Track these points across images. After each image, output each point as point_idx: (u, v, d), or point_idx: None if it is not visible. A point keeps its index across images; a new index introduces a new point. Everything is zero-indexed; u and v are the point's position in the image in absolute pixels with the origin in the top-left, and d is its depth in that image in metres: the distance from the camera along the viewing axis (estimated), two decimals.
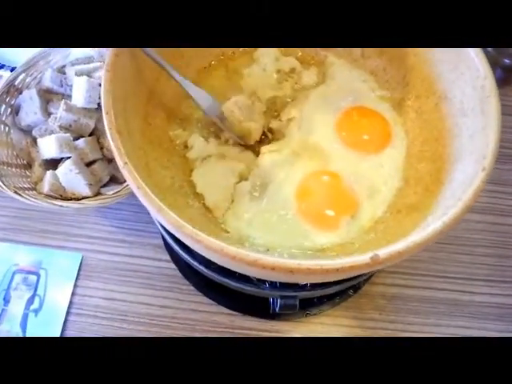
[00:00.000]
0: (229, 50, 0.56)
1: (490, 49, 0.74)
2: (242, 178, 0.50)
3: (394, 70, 0.56)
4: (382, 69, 0.56)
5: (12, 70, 0.72)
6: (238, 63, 0.56)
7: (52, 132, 0.63)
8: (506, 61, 0.76)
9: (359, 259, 0.35)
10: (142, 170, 0.41)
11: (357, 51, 0.57)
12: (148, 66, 0.48)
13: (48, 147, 0.61)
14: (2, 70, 0.75)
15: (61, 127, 0.62)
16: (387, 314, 0.62)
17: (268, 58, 0.56)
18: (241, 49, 0.57)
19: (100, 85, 0.61)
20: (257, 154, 0.52)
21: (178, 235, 0.37)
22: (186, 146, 0.51)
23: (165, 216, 0.35)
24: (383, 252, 0.35)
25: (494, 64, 0.78)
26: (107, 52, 0.43)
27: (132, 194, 0.42)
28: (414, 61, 0.53)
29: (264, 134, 0.52)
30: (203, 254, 0.38)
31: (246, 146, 0.52)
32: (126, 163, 0.37)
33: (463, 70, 0.48)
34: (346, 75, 0.57)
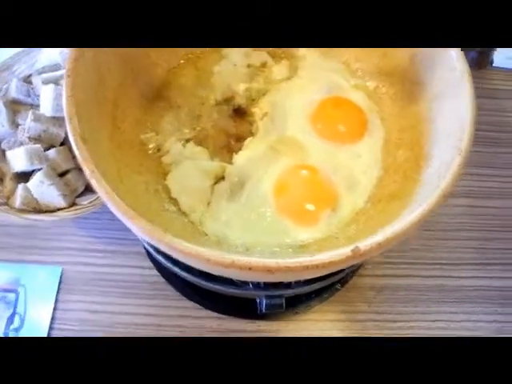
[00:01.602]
0: (197, 49, 0.55)
1: None
2: (218, 178, 0.48)
3: (366, 58, 0.55)
4: (353, 58, 0.56)
5: None
6: (207, 61, 0.55)
7: (21, 144, 0.61)
8: None
9: (339, 253, 0.34)
10: (111, 177, 0.39)
11: None
12: (111, 69, 0.47)
13: (17, 160, 0.59)
14: None
15: (30, 138, 0.60)
16: (376, 306, 0.61)
17: (238, 54, 0.55)
18: None
19: None
20: (232, 152, 0.50)
21: (152, 242, 0.35)
22: (159, 150, 0.50)
23: (135, 223, 0.34)
24: (364, 244, 0.34)
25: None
26: (66, 57, 0.41)
27: None
28: (385, 49, 0.53)
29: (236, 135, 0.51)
30: (180, 259, 0.37)
31: (222, 146, 0.51)
32: (92, 171, 0.36)
33: (435, 54, 0.47)
34: (318, 67, 0.56)
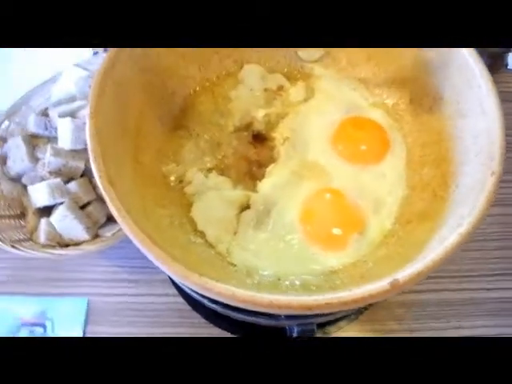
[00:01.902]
0: (213, 75, 0.55)
1: None
2: (243, 206, 0.48)
3: (383, 75, 0.54)
4: (371, 75, 0.55)
5: None
6: (224, 87, 0.54)
7: (42, 178, 0.61)
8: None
9: (378, 287, 0.33)
10: (137, 214, 0.39)
11: (343, 60, 0.56)
12: (131, 102, 0.47)
13: (39, 195, 0.59)
14: None
15: (50, 173, 0.61)
16: (407, 323, 0.60)
17: (253, 78, 0.54)
18: (224, 72, 0.55)
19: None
20: (254, 179, 0.50)
21: (187, 285, 0.35)
22: (181, 181, 0.50)
23: (170, 267, 0.34)
24: (402, 275, 0.34)
25: (480, 52, 0.77)
26: (88, 95, 0.41)
27: None
28: (402, 64, 0.52)
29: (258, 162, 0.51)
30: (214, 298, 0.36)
31: (244, 174, 0.50)
32: (124, 217, 0.36)
33: (456, 70, 0.47)
34: (334, 86, 0.55)
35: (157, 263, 0.35)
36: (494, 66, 0.79)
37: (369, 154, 0.52)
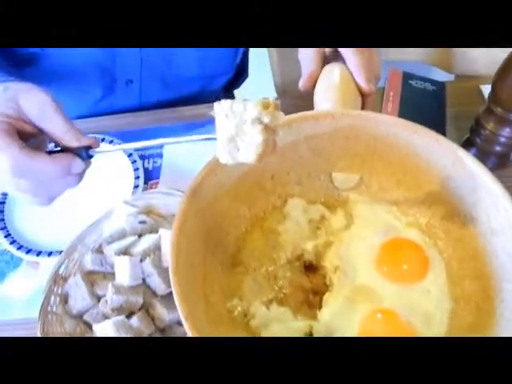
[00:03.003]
0: (260, 212, 0.61)
1: (479, 140, 0.80)
2: (307, 335, 0.52)
3: (414, 197, 0.60)
4: (402, 198, 0.61)
5: None
6: (272, 222, 0.60)
7: (104, 315, 0.66)
8: (498, 148, 0.82)
9: None
10: None
11: (374, 185, 0.62)
12: (196, 250, 0.52)
13: (105, 332, 0.63)
14: None
15: (113, 309, 0.65)
16: None
17: (297, 211, 0.61)
18: (270, 206, 0.62)
19: (141, 260, 0.66)
20: (312, 306, 0.54)
21: None
22: (245, 315, 0.54)
23: None
24: None
25: (486, 153, 0.85)
26: (169, 253, 0.46)
27: None
28: (431, 188, 0.58)
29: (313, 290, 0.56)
30: None
31: (301, 302, 0.55)
32: None
33: (482, 194, 0.52)
34: (370, 210, 0.61)
35: None
36: (501, 164, 0.87)
37: (411, 273, 0.56)
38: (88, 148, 0.54)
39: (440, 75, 1.12)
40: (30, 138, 0.54)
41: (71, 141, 0.54)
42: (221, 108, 0.44)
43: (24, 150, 0.51)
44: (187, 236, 0.49)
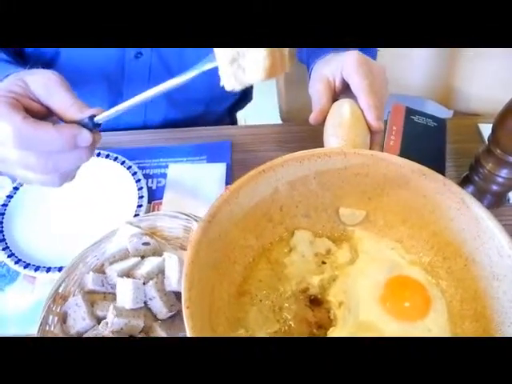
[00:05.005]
0: (267, 242, 0.62)
1: (477, 178, 0.83)
2: None
3: (418, 236, 0.62)
4: (406, 236, 0.63)
5: None
6: (278, 253, 0.61)
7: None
8: (495, 187, 0.84)
9: None
10: None
11: (380, 222, 0.64)
12: (206, 280, 0.52)
13: None
14: None
15: (113, 332, 0.65)
16: None
17: (304, 243, 0.62)
18: (277, 238, 0.63)
19: (144, 283, 0.66)
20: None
21: None
22: None
23: None
24: None
25: (484, 192, 0.87)
26: (182, 287, 0.47)
27: None
28: (435, 229, 0.60)
29: (317, 323, 0.56)
30: None
31: (306, 335, 0.55)
32: None
33: (486, 240, 0.54)
34: (375, 246, 0.62)
35: None
36: (497, 203, 0.89)
37: (413, 312, 0.57)
38: (92, 117, 0.54)
39: (439, 110, 1.15)
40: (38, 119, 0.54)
41: (76, 114, 0.54)
42: None
43: (27, 120, 0.51)
44: (199, 266, 0.49)
